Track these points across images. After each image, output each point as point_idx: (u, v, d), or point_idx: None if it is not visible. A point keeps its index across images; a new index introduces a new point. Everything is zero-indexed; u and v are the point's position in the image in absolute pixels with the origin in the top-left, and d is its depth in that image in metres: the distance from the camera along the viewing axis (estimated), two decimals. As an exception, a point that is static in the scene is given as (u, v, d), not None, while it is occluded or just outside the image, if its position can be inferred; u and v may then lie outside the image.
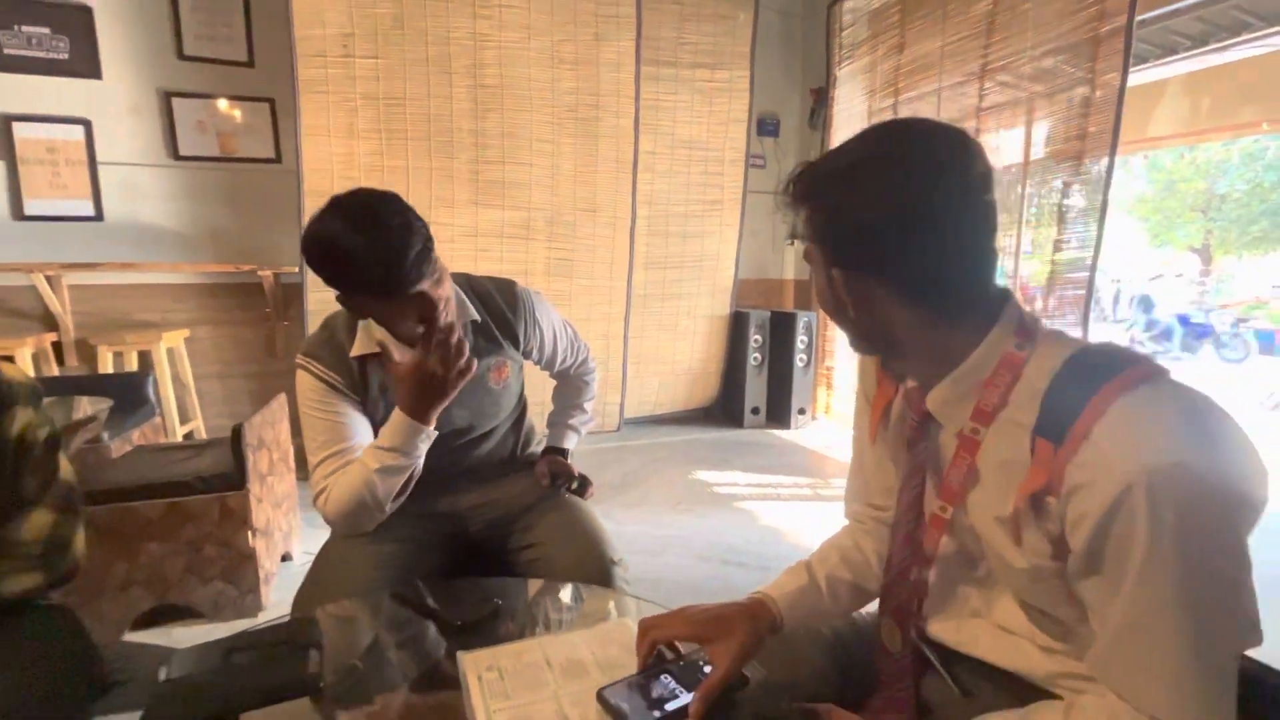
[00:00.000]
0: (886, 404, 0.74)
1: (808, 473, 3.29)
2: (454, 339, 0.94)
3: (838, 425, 4.16)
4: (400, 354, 0.99)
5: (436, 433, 1.01)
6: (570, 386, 1.39)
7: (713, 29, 3.82)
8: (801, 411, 4.10)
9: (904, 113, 3.56)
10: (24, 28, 2.88)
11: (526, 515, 1.18)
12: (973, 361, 0.60)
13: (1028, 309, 0.62)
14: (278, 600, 1.89)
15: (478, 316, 1.13)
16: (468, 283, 1.18)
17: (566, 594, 0.97)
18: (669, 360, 4.10)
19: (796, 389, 4.05)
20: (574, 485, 1.23)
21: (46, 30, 2.90)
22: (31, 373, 2.68)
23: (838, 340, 4.18)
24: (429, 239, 0.95)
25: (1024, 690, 0.66)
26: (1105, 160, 2.58)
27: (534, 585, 1.00)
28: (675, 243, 3.98)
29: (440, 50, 3.16)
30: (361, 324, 1.06)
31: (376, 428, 1.05)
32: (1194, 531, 0.48)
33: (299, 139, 2.96)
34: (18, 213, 2.93)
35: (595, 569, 1.05)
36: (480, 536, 1.20)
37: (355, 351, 1.05)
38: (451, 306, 1.03)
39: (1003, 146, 3.00)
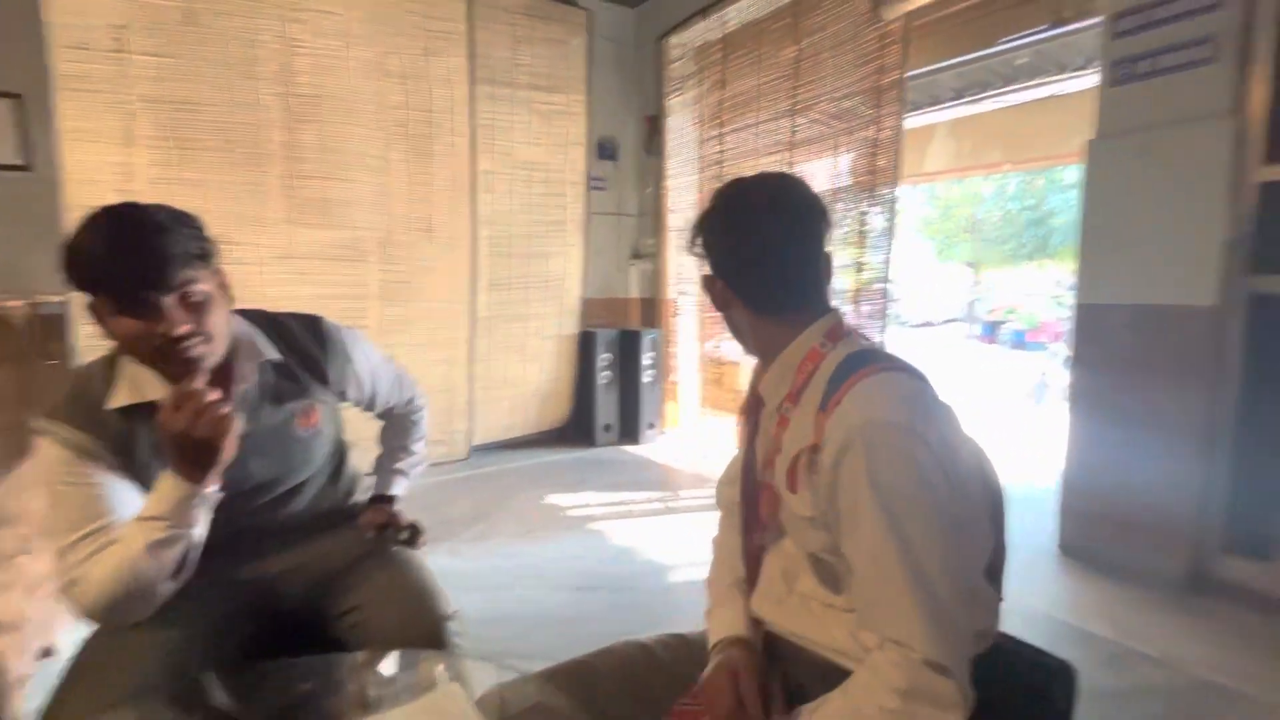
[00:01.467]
0: (755, 385, 0.87)
1: (659, 486, 3.38)
2: (193, 389, 0.80)
3: (684, 437, 4.33)
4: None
5: (219, 493, 0.88)
6: (397, 426, 1.30)
7: (547, 52, 3.84)
8: (651, 426, 4.21)
9: (729, 142, 3.85)
10: None
11: (348, 575, 1.07)
12: (788, 352, 0.77)
13: (853, 323, 0.82)
14: (34, 710, 1.53)
15: (277, 356, 1.01)
16: (267, 321, 1.05)
17: (392, 663, 0.89)
18: (519, 382, 4.02)
19: (645, 404, 4.16)
20: (403, 535, 1.14)
21: None
22: None
23: (681, 355, 4.37)
24: (208, 248, 0.86)
25: (826, 672, 0.73)
26: (893, 190, 2.98)
27: (356, 658, 0.90)
28: (520, 263, 3.92)
29: (244, 53, 2.84)
30: (124, 368, 0.90)
31: None
32: (894, 468, 0.63)
33: (55, 143, 2.49)
34: None
35: (425, 629, 0.97)
36: (296, 605, 1.07)
37: (115, 402, 0.89)
38: (218, 342, 0.90)
39: (815, 175, 3.35)
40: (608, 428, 4.17)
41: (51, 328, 2.75)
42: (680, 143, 4.20)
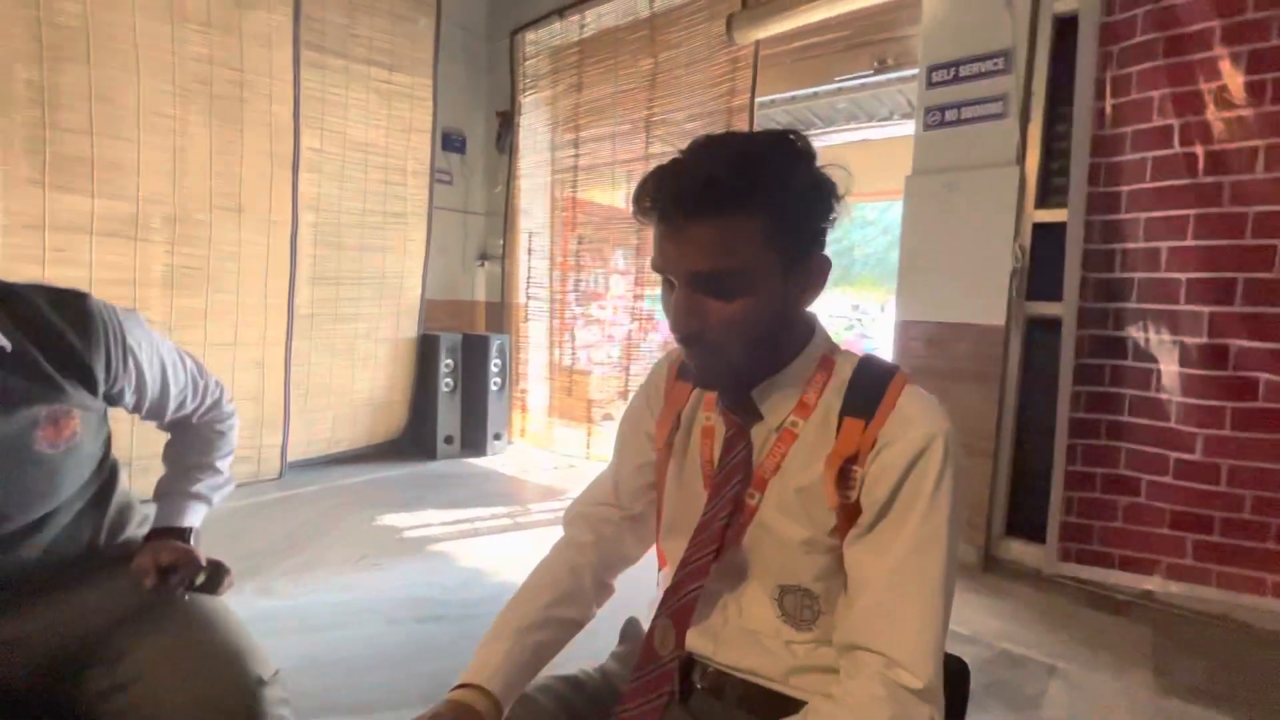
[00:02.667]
0: (678, 410, 0.77)
1: (507, 501, 3.18)
2: None
3: (533, 448, 4.16)
4: None
5: None
6: (195, 439, 1.01)
7: (390, 27, 3.50)
8: (497, 437, 3.98)
9: (585, 149, 3.79)
10: None
11: (115, 639, 0.80)
12: (800, 362, 0.68)
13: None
14: None
15: (5, 343, 0.73)
16: None
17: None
18: (345, 391, 3.57)
19: (492, 414, 3.92)
20: (199, 580, 0.88)
21: None
22: None
23: (531, 363, 4.20)
24: None
25: (765, 705, 0.67)
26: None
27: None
28: (351, 256, 3.49)
29: (-31, -43, 2.20)
30: None
31: None
32: (960, 477, 0.62)
33: None
34: None
35: (225, 707, 0.74)
36: (32, 685, 0.77)
37: None
38: None
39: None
40: (449, 439, 3.86)
41: None
42: (534, 143, 4.07)
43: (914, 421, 0.62)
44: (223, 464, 1.02)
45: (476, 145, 4.29)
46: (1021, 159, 2.32)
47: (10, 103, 2.32)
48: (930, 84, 2.49)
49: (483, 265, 4.38)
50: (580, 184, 3.83)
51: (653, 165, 0.67)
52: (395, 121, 3.59)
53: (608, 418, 3.83)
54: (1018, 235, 2.34)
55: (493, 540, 2.66)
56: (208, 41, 2.76)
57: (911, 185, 2.54)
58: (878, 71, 2.84)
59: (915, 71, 2.61)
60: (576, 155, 3.82)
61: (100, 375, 0.82)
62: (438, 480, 3.45)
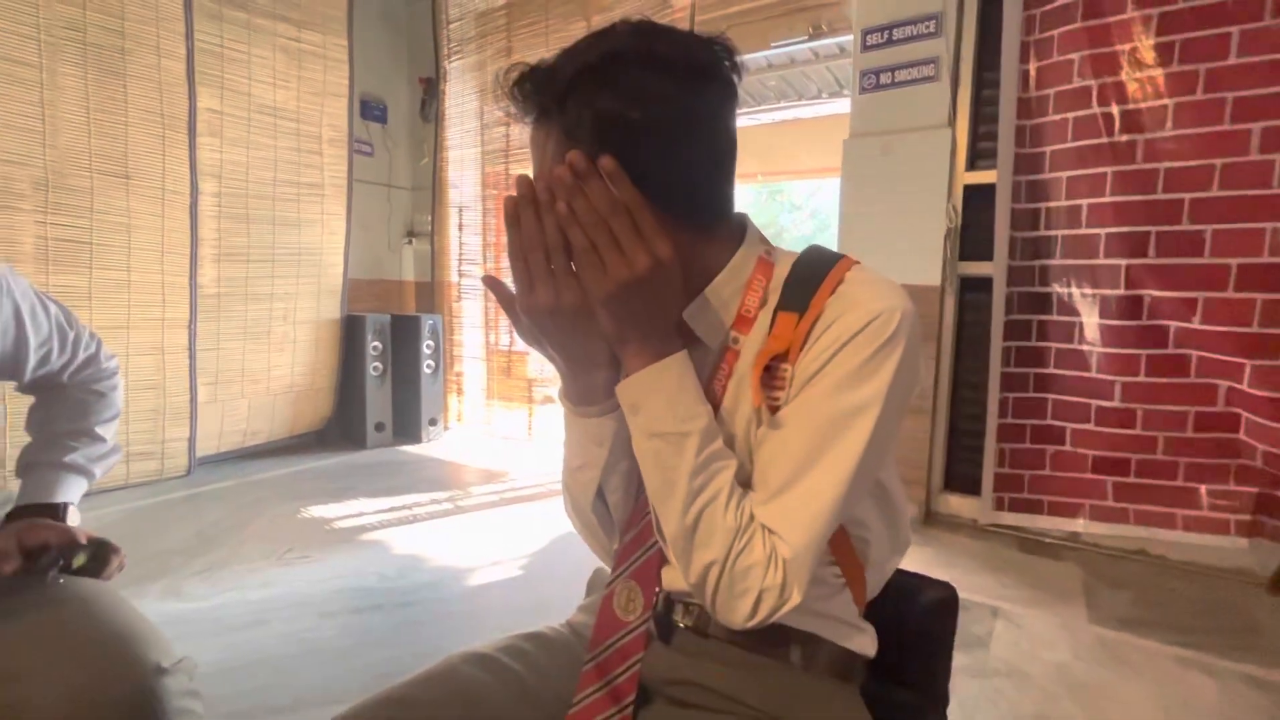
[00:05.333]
0: None
1: (446, 485, 3.02)
2: None
3: (472, 432, 3.99)
4: None
5: None
6: (67, 401, 0.85)
7: (297, -22, 3.21)
8: (433, 422, 3.79)
9: (518, 121, 3.62)
10: None
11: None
12: (730, 270, 0.59)
13: None
14: None
15: None
16: None
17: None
18: (261, 377, 3.29)
19: (426, 399, 3.73)
20: (78, 561, 0.74)
21: None
22: None
23: (466, 344, 4.02)
24: None
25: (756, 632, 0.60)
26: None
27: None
28: (262, 230, 3.21)
29: None
30: None
31: None
32: (912, 359, 0.54)
33: None
34: None
35: (120, 693, 0.62)
36: None
37: None
38: None
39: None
40: (380, 426, 3.65)
41: None
42: (460, 111, 3.86)
43: (859, 301, 0.54)
44: (105, 430, 0.86)
45: (400, 115, 4.03)
46: (953, 121, 2.37)
47: None
48: (865, 47, 2.50)
49: (410, 242, 4.14)
50: (513, 157, 3.67)
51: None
52: (307, 84, 3.31)
53: (548, 399, 3.72)
54: (950, 196, 2.39)
55: (432, 525, 2.52)
56: (78, -18, 2.43)
57: (849, 148, 2.56)
58: (813, 37, 2.83)
59: (849, 37, 2.62)
60: (508, 126, 3.65)
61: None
62: (369, 469, 3.25)
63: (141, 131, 2.65)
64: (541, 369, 3.71)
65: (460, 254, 4.01)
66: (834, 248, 0.64)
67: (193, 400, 2.95)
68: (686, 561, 0.53)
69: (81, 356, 0.84)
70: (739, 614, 0.52)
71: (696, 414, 0.54)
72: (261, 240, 3.21)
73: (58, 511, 0.78)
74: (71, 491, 0.81)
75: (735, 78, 0.56)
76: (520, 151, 3.64)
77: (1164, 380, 2.06)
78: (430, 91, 3.92)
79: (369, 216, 3.86)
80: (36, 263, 2.40)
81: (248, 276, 3.17)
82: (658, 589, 0.62)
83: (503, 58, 3.62)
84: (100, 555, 0.75)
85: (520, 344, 3.82)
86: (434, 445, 3.73)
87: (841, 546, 0.60)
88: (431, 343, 3.71)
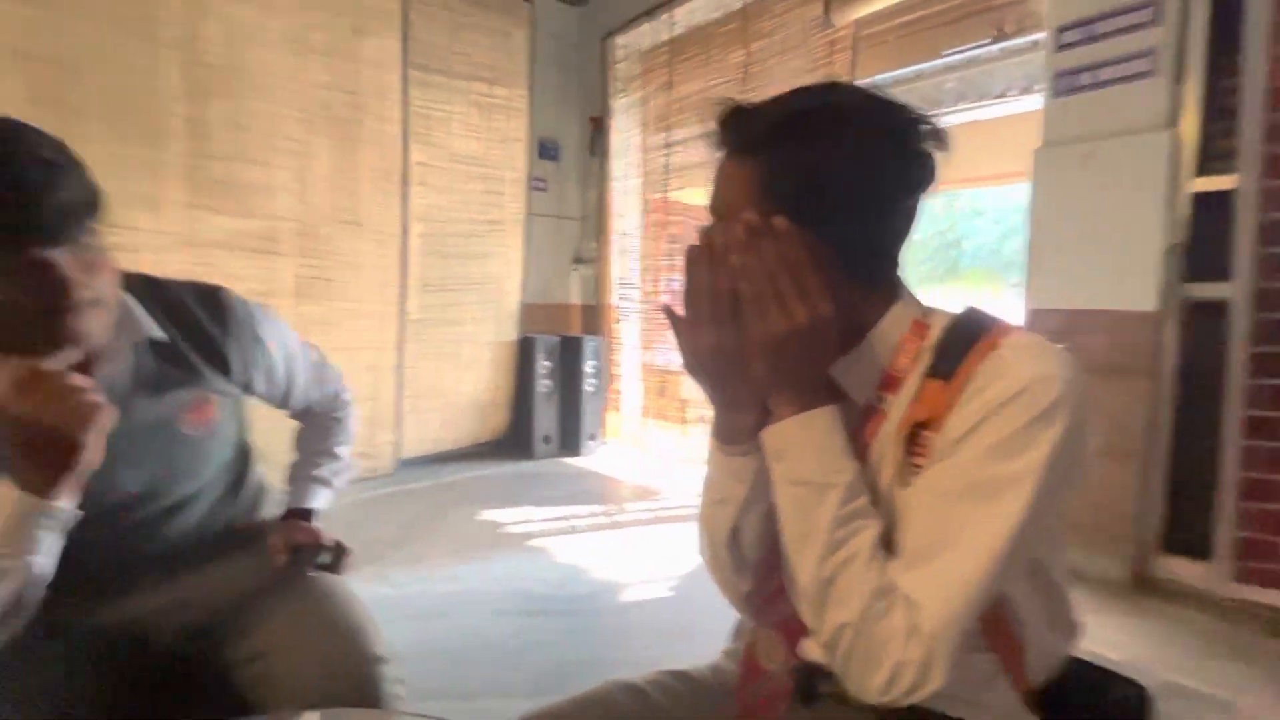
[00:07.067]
0: None
1: (603, 499, 3.20)
2: (47, 368, 0.62)
3: (627, 448, 4.18)
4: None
5: (75, 512, 0.65)
6: (318, 427, 1.08)
7: (488, 42, 3.65)
8: (593, 437, 4.03)
9: (676, 150, 3.76)
10: None
11: (251, 611, 0.85)
12: (883, 329, 0.58)
13: None
14: None
15: (161, 334, 0.79)
16: (149, 287, 0.83)
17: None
18: (451, 392, 3.75)
19: (587, 415, 3.98)
20: (324, 558, 0.93)
21: None
22: None
23: (624, 363, 4.23)
24: (96, 197, 0.68)
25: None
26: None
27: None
28: (455, 264, 3.67)
29: (138, 11, 2.50)
30: None
31: None
32: (1078, 434, 0.51)
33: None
34: None
35: (349, 678, 0.77)
36: (178, 652, 0.84)
37: None
38: (109, 312, 0.69)
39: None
40: (547, 439, 3.96)
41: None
42: (626, 145, 4.10)
43: (1013, 367, 0.51)
44: (341, 450, 1.08)
45: (570, 151, 4.39)
46: (1175, 122, 2.04)
47: (169, 136, 2.62)
48: (1060, 46, 2.25)
49: (577, 269, 4.47)
50: (672, 184, 3.82)
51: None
52: (494, 133, 3.74)
53: (701, 420, 3.78)
54: (1173, 208, 2.06)
55: (590, 537, 2.68)
56: (329, 68, 3.00)
57: (1041, 159, 2.31)
58: (996, 41, 2.60)
59: (1040, 36, 2.38)
60: (668, 155, 3.80)
61: (236, 365, 0.87)
62: (535, 478, 3.54)
63: (368, 185, 3.18)
64: (695, 390, 3.77)
65: (621, 279, 4.24)
66: (1022, 260, 0.63)
67: (398, 410, 3.45)
68: (820, 619, 0.53)
69: (330, 391, 1.05)
70: (872, 686, 0.50)
71: (842, 468, 0.54)
72: (454, 272, 3.67)
73: (311, 516, 0.99)
74: (321, 499, 1.02)
75: (935, 166, 0.57)
76: (677, 180, 3.77)
77: None
78: (598, 129, 4.21)
79: (542, 245, 4.23)
80: (294, 297, 2.98)
81: (443, 304, 3.64)
82: (797, 659, 0.62)
83: (664, 92, 3.79)
84: (339, 554, 0.94)
85: (676, 363, 3.93)
86: (593, 459, 3.96)
87: (995, 625, 0.56)
88: (594, 362, 3.96)
